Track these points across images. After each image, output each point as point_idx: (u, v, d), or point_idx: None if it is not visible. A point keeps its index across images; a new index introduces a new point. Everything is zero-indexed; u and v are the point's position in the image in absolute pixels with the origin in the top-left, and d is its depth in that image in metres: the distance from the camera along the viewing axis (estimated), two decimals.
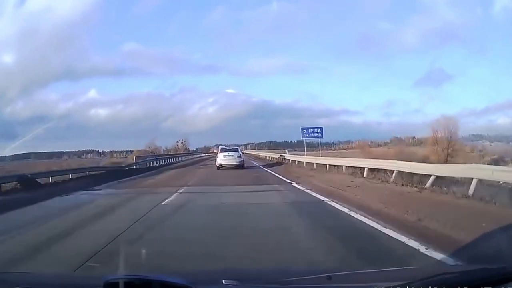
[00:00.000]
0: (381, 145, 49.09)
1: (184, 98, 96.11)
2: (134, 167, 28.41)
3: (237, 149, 26.45)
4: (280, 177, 17.48)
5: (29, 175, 15.75)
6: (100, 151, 61.23)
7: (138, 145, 58.48)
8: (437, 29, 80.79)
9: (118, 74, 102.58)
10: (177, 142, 63.72)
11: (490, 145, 30.38)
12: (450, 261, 4.21)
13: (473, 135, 45.63)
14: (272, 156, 38.60)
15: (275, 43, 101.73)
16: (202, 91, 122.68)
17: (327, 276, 2.14)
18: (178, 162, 42.23)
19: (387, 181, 11.86)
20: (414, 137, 53.38)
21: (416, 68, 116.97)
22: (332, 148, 48.72)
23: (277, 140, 59.81)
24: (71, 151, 57.75)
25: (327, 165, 19.19)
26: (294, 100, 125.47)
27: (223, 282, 2.05)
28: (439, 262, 4.24)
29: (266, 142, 57.02)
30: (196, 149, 76.90)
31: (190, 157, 57.20)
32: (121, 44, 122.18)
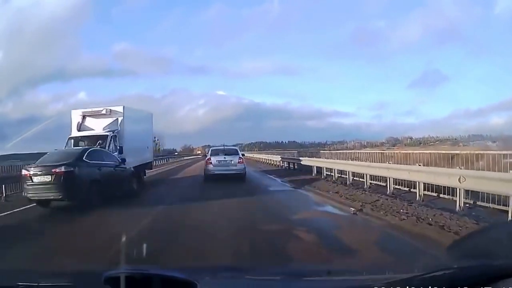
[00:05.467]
0: (378, 145, 46.77)
1: (175, 99, 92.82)
2: None
3: (236, 150, 16.11)
4: None
5: None
6: None
7: None
8: (435, 30, 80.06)
9: (108, 75, 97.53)
10: None
11: (496, 145, 28.29)
12: None
13: (472, 135, 43.79)
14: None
15: (267, 44, 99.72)
16: (192, 92, 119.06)
17: (327, 271, 2.23)
18: None
19: None
20: (411, 138, 51.36)
21: (412, 69, 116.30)
22: (327, 148, 46.02)
23: (267, 141, 57.36)
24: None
25: None
26: (285, 102, 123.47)
27: (224, 277, 2.13)
28: (438, 258, 4.19)
29: (256, 142, 54.45)
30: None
31: None
32: (112, 44, 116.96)
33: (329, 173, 15.42)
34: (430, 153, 9.91)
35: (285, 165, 22.70)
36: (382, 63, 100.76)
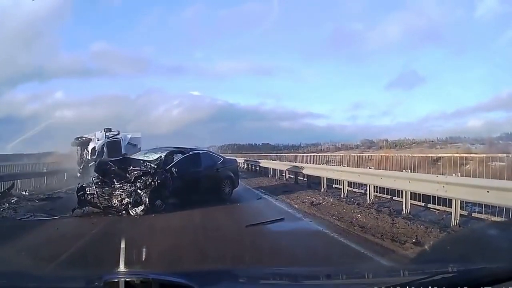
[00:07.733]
0: (352, 148, 44.66)
1: (149, 100, 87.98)
2: None
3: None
4: None
5: None
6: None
7: None
8: (413, 32, 79.29)
9: (85, 75, 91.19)
10: None
11: (475, 147, 26.50)
12: None
13: (450, 137, 42.24)
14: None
15: (243, 45, 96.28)
16: (167, 93, 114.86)
17: (326, 274, 2.31)
18: None
19: None
20: (386, 140, 49.36)
21: (388, 71, 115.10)
22: (301, 150, 43.45)
23: (241, 143, 54.79)
24: (32, 154, 47.93)
25: None
26: (259, 103, 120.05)
27: (222, 281, 2.13)
28: (438, 261, 4.16)
29: (229, 144, 51.64)
30: None
31: None
32: (89, 44, 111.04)
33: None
34: (414, 156, 8.80)
35: (247, 166, 24.21)
36: (358, 64, 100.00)
